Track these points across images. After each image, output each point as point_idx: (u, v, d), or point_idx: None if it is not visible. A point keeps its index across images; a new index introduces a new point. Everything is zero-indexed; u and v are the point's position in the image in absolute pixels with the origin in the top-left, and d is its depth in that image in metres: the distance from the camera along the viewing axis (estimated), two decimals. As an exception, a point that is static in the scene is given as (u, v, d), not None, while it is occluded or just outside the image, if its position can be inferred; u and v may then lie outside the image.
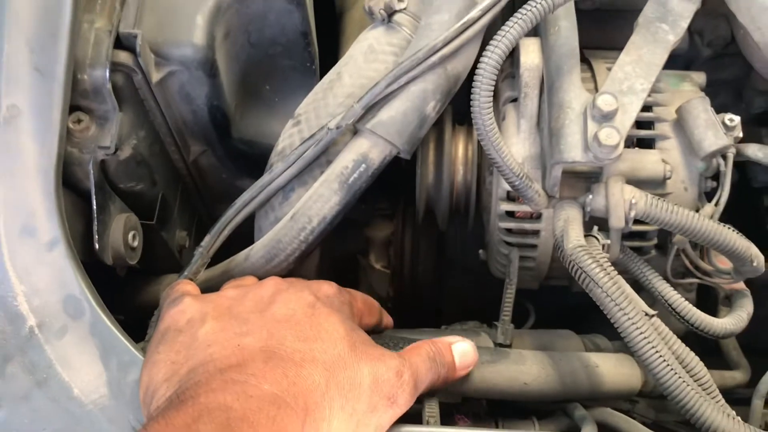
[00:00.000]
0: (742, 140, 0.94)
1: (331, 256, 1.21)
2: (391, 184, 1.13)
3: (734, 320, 0.89)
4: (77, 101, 0.77)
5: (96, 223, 0.80)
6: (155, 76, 0.82)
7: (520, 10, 0.78)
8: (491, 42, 0.78)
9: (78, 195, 0.81)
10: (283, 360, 0.64)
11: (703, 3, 0.99)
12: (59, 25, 0.73)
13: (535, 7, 0.77)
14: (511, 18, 0.78)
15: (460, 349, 0.78)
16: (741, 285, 0.94)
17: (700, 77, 1.01)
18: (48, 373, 0.74)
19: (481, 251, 1.11)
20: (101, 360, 0.74)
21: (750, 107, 1.20)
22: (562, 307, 1.17)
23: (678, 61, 1.08)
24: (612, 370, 0.88)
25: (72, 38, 0.74)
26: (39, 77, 0.74)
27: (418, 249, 1.40)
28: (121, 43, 0.79)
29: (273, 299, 0.72)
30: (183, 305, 0.72)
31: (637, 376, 0.89)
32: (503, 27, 0.78)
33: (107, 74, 0.77)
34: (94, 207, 0.79)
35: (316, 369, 0.65)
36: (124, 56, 0.79)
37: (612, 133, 0.80)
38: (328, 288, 0.77)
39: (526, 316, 1.15)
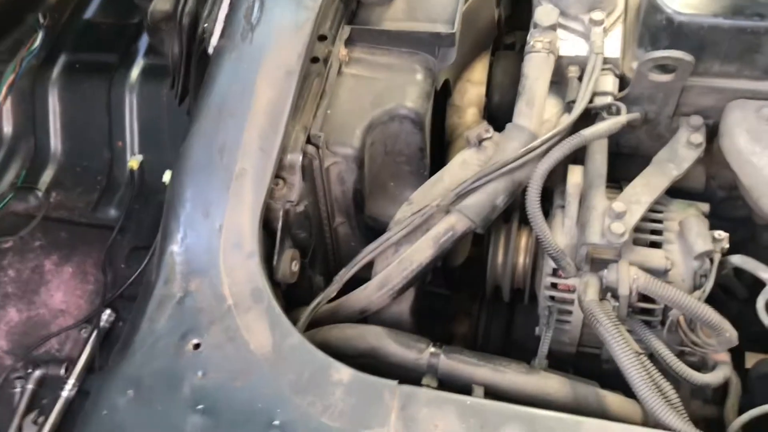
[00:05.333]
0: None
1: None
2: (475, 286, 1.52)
3: (711, 376, 1.21)
4: (279, 172, 1.24)
5: (277, 249, 1.24)
6: (326, 163, 1.29)
7: (561, 143, 1.21)
8: (541, 161, 1.21)
9: (267, 231, 1.27)
10: None
11: (710, 152, 1.39)
12: (279, 125, 1.22)
13: (570, 142, 1.20)
14: (554, 149, 1.21)
15: None
16: (723, 356, 1.26)
17: (704, 206, 1.37)
18: (236, 334, 1.16)
19: (536, 328, 1.47)
20: (270, 330, 1.15)
21: (761, 240, 1.54)
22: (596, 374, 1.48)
23: (700, 199, 1.45)
24: (618, 401, 1.20)
25: (285, 134, 1.22)
26: (261, 154, 1.22)
27: (489, 333, 1.77)
28: (311, 140, 1.27)
29: None
30: None
31: (638, 413, 1.20)
32: (549, 153, 1.21)
33: (300, 158, 1.24)
34: (278, 239, 1.24)
35: None
36: (310, 148, 1.27)
37: (620, 225, 1.19)
38: None
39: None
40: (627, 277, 1.20)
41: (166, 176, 1.55)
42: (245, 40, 1.25)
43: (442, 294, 1.84)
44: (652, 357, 1.26)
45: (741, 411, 1.35)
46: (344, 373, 1.11)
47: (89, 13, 2.07)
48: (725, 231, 1.37)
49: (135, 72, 1.94)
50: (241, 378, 1.13)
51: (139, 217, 1.86)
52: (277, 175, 1.25)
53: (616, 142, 1.47)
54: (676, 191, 1.42)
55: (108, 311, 1.71)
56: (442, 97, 1.66)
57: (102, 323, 1.69)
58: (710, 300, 1.34)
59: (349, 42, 1.40)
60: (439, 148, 1.65)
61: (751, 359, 1.78)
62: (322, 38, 1.38)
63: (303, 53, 1.23)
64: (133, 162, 1.89)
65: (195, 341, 1.16)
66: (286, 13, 1.26)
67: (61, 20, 2.04)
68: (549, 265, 1.31)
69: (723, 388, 1.37)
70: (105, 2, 2.08)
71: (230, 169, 1.22)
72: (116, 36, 1.99)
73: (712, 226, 1.36)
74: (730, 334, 1.20)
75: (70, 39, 2.02)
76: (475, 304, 1.81)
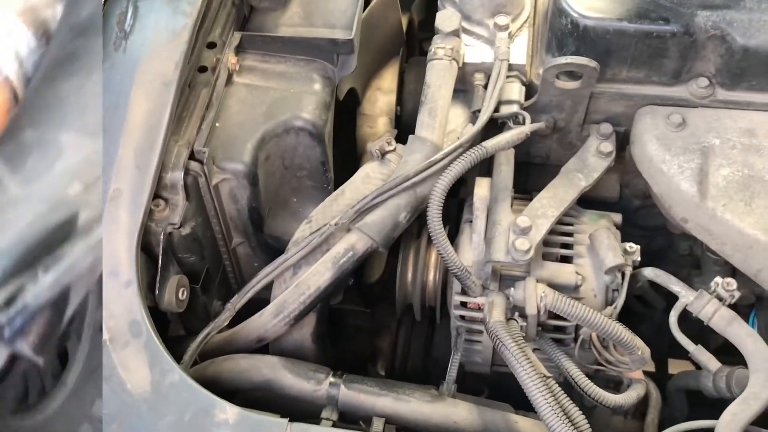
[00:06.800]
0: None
1: (342, 357, 1.51)
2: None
3: (624, 397, 1.15)
4: (159, 192, 1.14)
5: (159, 277, 1.14)
6: (214, 180, 1.19)
7: (461, 156, 1.14)
8: (440, 176, 1.13)
9: (150, 257, 1.16)
10: None
11: (623, 161, 1.34)
12: (156, 140, 1.12)
13: (471, 155, 1.13)
14: (455, 161, 1.14)
15: None
16: (637, 374, 1.20)
17: (617, 217, 1.32)
18: (112, 372, 1.05)
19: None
20: (149, 366, 1.05)
21: (677, 249, 1.51)
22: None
23: (615, 209, 1.40)
24: (528, 426, 1.14)
25: (163, 150, 1.12)
26: (137, 172, 1.11)
27: (408, 350, 1.70)
28: (194, 156, 1.17)
29: None
30: None
31: (550, 438, 1.14)
32: (449, 167, 1.13)
33: (182, 176, 1.14)
34: (160, 265, 1.13)
35: None
36: (194, 165, 1.16)
37: (524, 242, 1.12)
38: None
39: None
40: (534, 296, 1.14)
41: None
42: (118, 49, 1.14)
43: (363, 310, 1.76)
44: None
45: (662, 424, 1.31)
46: (230, 412, 1.02)
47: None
48: (642, 239, 1.33)
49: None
50: (117, 421, 1.03)
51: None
52: (158, 195, 1.15)
53: (526, 151, 1.41)
54: (591, 201, 1.37)
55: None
56: (351, 106, 1.58)
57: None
58: (629, 312, 1.30)
59: (240, 49, 1.31)
60: (351, 159, 1.57)
61: (674, 366, 1.75)
62: (212, 45, 1.28)
63: (181, 62, 1.13)
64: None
65: (66, 382, 1.06)
66: (161, 19, 1.15)
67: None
68: (458, 282, 1.24)
69: (646, 401, 1.32)
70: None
71: (104, 189, 1.11)
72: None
73: (629, 235, 1.31)
74: (642, 352, 1.14)
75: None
76: (394, 321, 1.73)
